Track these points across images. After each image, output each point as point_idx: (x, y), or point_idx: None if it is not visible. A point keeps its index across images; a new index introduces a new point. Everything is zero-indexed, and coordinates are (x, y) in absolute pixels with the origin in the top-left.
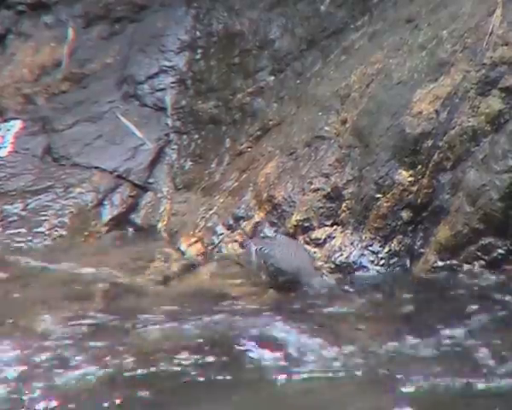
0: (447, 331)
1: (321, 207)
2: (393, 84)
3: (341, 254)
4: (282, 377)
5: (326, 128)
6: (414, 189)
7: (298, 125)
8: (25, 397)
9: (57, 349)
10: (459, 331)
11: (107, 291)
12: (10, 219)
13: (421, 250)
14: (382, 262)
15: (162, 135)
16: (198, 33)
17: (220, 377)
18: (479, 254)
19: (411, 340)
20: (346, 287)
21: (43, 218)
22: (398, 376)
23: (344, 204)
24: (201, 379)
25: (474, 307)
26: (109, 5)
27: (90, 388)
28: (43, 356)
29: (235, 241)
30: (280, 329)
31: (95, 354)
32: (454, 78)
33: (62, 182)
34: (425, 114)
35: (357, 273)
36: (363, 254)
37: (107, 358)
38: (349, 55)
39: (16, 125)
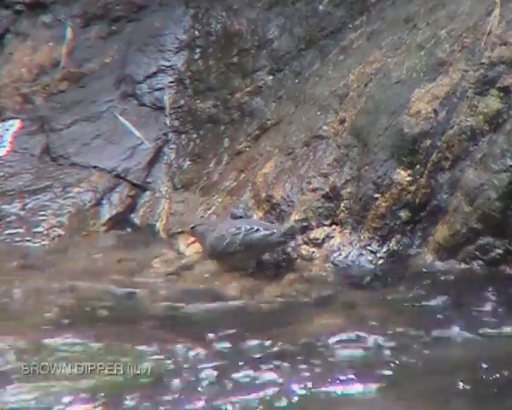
0: None
1: (319, 207)
2: (392, 83)
3: (340, 254)
4: None
5: (324, 128)
6: (412, 188)
7: (296, 125)
8: None
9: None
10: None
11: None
12: (8, 218)
13: (420, 250)
14: (381, 262)
15: (160, 134)
16: (196, 33)
17: None
18: (477, 253)
19: None
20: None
21: (42, 218)
22: None
23: (342, 204)
24: None
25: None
26: (108, 5)
27: None
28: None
29: None
30: None
31: None
32: (452, 77)
33: (61, 181)
34: (423, 113)
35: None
36: (361, 254)
37: None
38: (347, 54)
39: (14, 124)
